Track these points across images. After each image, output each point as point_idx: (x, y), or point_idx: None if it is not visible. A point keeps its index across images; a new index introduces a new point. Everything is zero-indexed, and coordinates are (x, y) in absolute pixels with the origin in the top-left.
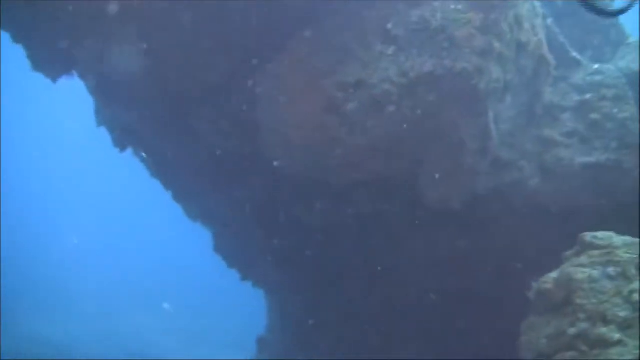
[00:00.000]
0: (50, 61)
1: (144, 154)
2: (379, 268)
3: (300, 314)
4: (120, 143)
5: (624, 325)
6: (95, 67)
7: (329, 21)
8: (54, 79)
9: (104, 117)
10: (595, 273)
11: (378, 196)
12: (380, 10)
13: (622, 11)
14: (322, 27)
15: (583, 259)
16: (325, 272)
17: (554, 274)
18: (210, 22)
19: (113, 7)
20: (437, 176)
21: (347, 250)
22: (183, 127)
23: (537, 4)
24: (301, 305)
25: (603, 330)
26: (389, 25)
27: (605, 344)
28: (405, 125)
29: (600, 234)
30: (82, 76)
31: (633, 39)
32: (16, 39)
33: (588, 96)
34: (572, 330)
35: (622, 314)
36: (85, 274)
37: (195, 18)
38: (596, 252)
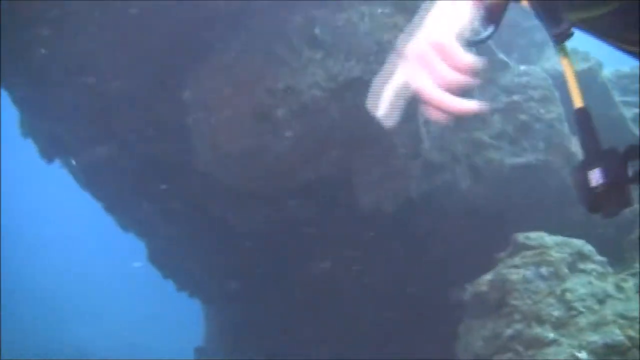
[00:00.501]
0: None
1: (72, 162)
2: (313, 273)
3: (238, 322)
4: (48, 154)
5: (557, 324)
6: (20, 77)
7: (254, 26)
8: None
9: (29, 127)
10: (529, 274)
11: (310, 203)
12: (306, 13)
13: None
14: (248, 32)
15: (516, 259)
16: (261, 279)
17: (488, 276)
18: (136, 26)
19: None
20: (369, 181)
21: (282, 257)
22: (110, 135)
23: None
24: (238, 313)
25: (538, 330)
26: (316, 30)
27: (540, 343)
28: (335, 131)
29: (532, 234)
30: (6, 87)
31: None
32: None
33: (516, 97)
34: (507, 332)
35: (556, 313)
36: None
37: (120, 22)
38: (529, 253)
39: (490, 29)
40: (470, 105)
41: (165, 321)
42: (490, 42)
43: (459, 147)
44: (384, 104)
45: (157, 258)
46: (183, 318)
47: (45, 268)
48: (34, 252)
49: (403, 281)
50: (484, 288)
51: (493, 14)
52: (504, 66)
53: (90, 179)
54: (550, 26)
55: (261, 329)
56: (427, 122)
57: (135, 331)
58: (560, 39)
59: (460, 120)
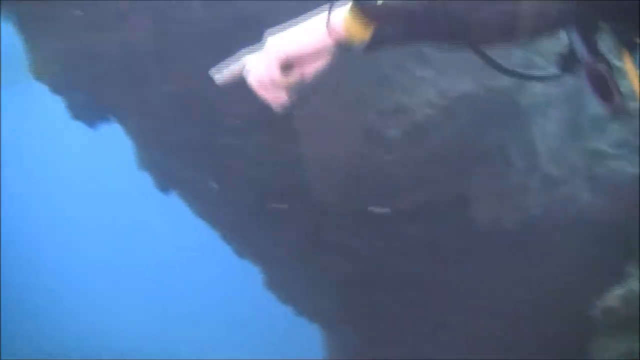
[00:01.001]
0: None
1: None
2: (432, 296)
3: (361, 348)
4: (163, 185)
5: None
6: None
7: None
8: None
9: (143, 161)
10: None
11: (426, 223)
12: None
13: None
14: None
15: None
16: (382, 304)
17: (619, 291)
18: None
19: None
20: (486, 197)
21: (398, 280)
22: (221, 165)
23: None
24: (359, 338)
25: None
26: (424, 48)
27: None
28: (447, 148)
29: None
30: (121, 121)
31: None
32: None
33: (635, 104)
34: None
35: None
36: None
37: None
38: None
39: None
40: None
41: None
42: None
43: (577, 158)
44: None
45: (275, 284)
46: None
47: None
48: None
49: (523, 299)
50: (614, 303)
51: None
52: (618, 72)
53: (205, 208)
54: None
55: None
56: (542, 134)
57: None
58: None
59: (577, 130)
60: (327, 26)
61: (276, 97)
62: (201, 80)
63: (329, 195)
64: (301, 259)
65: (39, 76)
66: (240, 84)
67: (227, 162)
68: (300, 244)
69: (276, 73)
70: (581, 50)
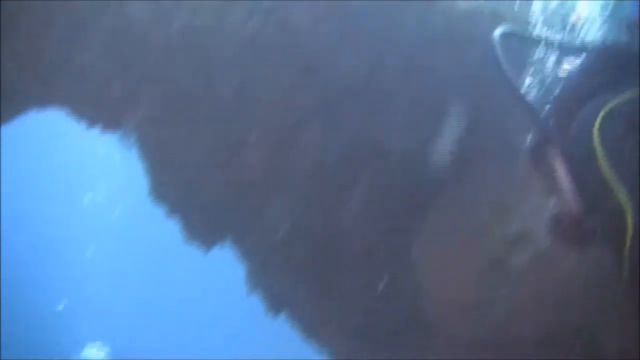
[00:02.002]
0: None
1: None
2: None
3: None
4: (274, 309)
5: None
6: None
7: (479, 175)
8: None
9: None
10: None
11: (549, 353)
12: None
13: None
14: (474, 182)
15: None
16: None
17: None
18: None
19: None
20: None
21: None
22: (333, 295)
23: None
24: None
25: None
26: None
27: None
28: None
29: None
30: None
31: None
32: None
33: None
34: None
35: None
36: None
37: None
38: None
39: None
40: None
41: None
42: None
43: None
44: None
45: None
46: None
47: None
48: None
49: None
50: None
51: None
52: None
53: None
54: None
55: None
56: None
57: None
58: None
59: None
60: None
61: None
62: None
63: (447, 325)
64: None
65: (159, 199)
66: None
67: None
68: None
69: None
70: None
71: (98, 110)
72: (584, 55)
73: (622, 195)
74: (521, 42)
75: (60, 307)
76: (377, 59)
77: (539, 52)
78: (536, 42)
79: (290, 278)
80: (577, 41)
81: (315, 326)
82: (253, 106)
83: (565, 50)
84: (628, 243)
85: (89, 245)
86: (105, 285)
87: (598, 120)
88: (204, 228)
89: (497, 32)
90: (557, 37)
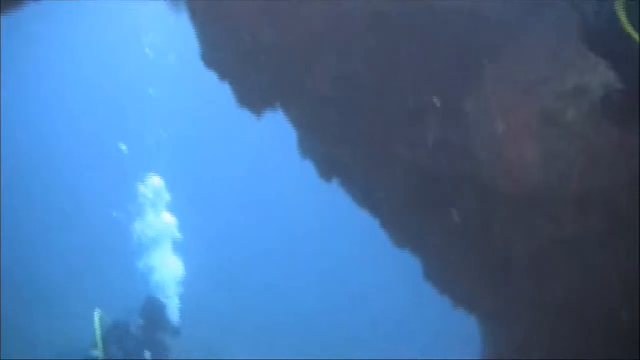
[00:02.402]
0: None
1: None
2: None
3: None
4: (326, 174)
5: None
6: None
7: (536, 29)
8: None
9: (305, 147)
10: None
11: (599, 213)
12: None
13: None
14: (529, 35)
15: None
16: (549, 295)
17: None
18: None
19: None
20: None
21: (568, 271)
22: (387, 155)
23: None
24: (524, 333)
25: None
26: None
27: None
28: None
29: None
30: (286, 110)
31: None
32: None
33: None
34: None
35: None
36: None
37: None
38: None
39: None
40: None
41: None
42: None
43: None
44: None
45: (432, 274)
46: None
47: None
48: None
49: None
50: None
51: None
52: None
53: (366, 196)
54: None
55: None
56: None
57: None
58: None
59: None
60: None
61: None
62: (365, 69)
63: (503, 184)
64: (462, 246)
65: (210, 65)
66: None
67: (390, 149)
68: (463, 231)
69: None
70: None
71: None
72: None
73: None
74: None
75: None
76: None
77: None
78: None
79: (338, 138)
80: None
81: (364, 190)
82: None
83: None
84: None
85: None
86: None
87: None
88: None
89: None
90: None
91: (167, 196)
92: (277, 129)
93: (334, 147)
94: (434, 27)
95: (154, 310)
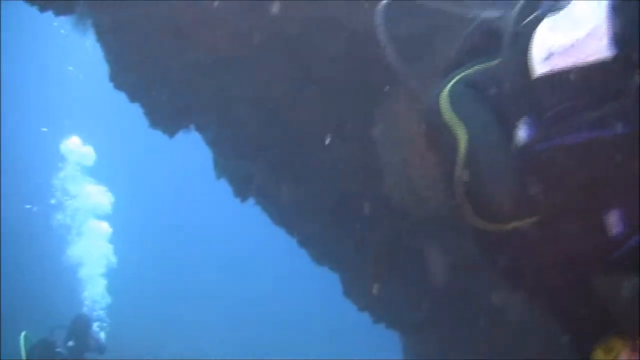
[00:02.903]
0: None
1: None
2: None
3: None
4: (241, 193)
5: None
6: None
7: (439, 47)
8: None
9: (221, 167)
10: None
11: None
12: None
13: None
14: (434, 55)
15: None
16: (462, 308)
17: None
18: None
19: None
20: None
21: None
22: (301, 173)
23: None
24: (441, 341)
25: None
26: None
27: None
28: None
29: None
30: (200, 129)
31: None
32: (132, 98)
33: None
34: None
35: None
36: None
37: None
38: None
39: None
40: None
41: None
42: None
43: None
44: None
45: (351, 291)
46: None
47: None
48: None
49: None
50: None
51: None
52: None
53: (283, 216)
54: None
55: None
56: None
57: None
58: None
59: None
60: None
61: None
62: (281, 86)
63: (412, 206)
64: (384, 263)
65: (120, 86)
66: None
67: (308, 168)
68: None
69: None
70: None
71: None
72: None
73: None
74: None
75: None
76: None
77: None
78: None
79: (257, 162)
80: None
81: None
82: None
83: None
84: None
85: None
86: None
87: (451, 82)
88: (167, 113)
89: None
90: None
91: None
92: (192, 148)
93: (248, 165)
94: (343, 55)
95: (79, 328)
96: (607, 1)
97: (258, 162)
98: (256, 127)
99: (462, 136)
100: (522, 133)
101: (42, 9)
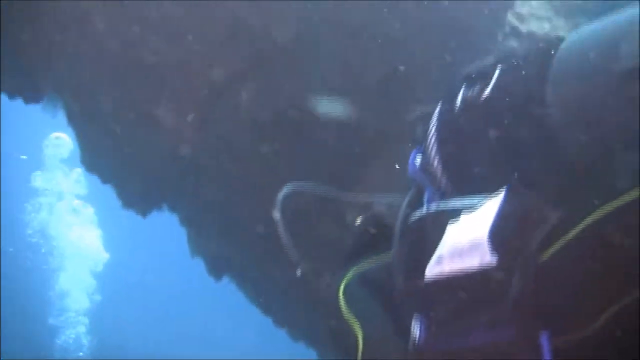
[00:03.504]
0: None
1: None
2: None
3: None
4: (215, 272)
5: None
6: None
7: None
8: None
9: (196, 246)
10: None
11: None
12: None
13: None
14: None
15: None
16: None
17: None
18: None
19: None
20: None
21: None
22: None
23: None
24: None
25: None
26: None
27: None
28: None
29: None
30: (173, 209)
31: None
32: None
33: None
34: None
35: None
36: None
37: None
38: None
39: None
40: None
41: None
42: None
43: None
44: None
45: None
46: None
47: None
48: None
49: None
50: None
51: None
52: None
53: (259, 295)
54: None
55: None
56: None
57: None
58: None
59: None
60: None
61: None
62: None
63: None
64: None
65: (90, 169)
66: None
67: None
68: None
69: None
70: None
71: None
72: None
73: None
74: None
75: None
76: None
77: None
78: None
79: (228, 242)
80: None
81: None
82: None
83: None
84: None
85: None
86: None
87: (346, 279)
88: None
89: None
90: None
91: None
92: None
93: (221, 246)
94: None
95: None
96: (494, 207)
97: (230, 241)
98: (227, 205)
99: (359, 334)
100: (414, 332)
101: (11, 97)
